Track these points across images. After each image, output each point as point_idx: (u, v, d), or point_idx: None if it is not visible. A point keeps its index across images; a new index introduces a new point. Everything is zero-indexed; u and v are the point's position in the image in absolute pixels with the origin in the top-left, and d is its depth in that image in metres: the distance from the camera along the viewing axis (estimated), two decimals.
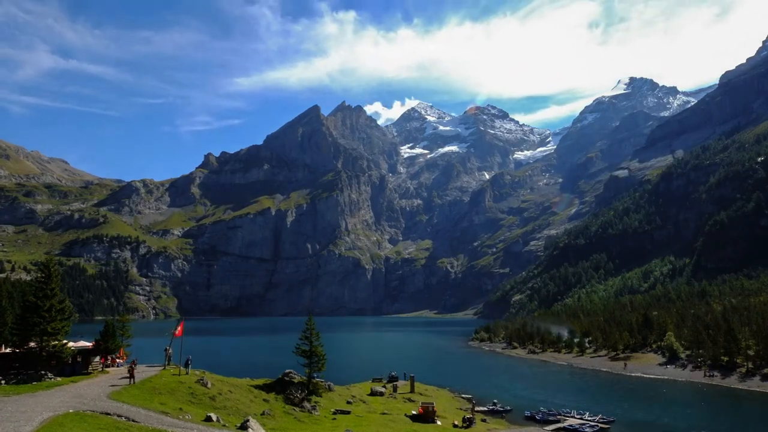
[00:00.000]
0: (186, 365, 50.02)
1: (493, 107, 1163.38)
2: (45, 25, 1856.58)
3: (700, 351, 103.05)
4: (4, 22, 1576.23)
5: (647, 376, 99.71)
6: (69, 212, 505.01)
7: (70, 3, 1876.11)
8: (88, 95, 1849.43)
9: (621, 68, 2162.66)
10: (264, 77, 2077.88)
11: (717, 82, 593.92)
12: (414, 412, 55.93)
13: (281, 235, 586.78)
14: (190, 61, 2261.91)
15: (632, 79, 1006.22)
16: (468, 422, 53.99)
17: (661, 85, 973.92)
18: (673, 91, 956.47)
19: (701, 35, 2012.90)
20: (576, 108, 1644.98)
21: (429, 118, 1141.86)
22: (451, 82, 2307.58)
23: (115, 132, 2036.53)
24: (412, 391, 72.41)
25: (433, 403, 56.96)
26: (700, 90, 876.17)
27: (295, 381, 53.82)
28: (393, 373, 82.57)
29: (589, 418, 60.71)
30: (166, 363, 51.47)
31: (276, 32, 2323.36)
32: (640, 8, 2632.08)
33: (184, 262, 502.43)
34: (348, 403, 57.10)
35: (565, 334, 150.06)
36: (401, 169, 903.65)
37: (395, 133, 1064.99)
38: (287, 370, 55.92)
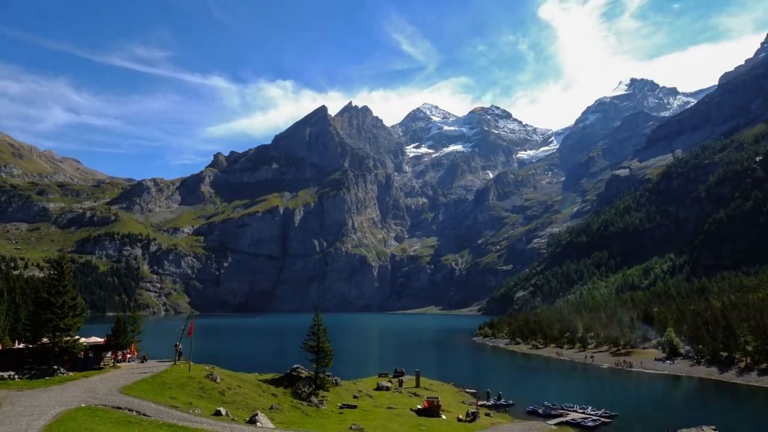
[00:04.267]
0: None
1: (497, 107, 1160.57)
2: (57, 93, 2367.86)
3: (700, 346, 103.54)
4: (27, 93, 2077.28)
5: (648, 371, 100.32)
6: (81, 210, 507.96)
7: (72, 80, 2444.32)
8: (101, 140, 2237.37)
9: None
10: (230, 125, 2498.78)
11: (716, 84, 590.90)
12: (419, 407, 56.61)
13: (289, 232, 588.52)
14: (173, 115, 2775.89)
15: (633, 80, 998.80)
16: (472, 416, 54.60)
17: (661, 86, 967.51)
18: (673, 91, 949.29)
19: (558, 100, 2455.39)
20: None
21: (434, 118, 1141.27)
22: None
23: (122, 164, 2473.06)
24: (417, 385, 73.12)
25: (438, 398, 57.69)
26: (700, 91, 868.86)
27: (303, 376, 54.69)
28: (399, 369, 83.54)
29: (592, 413, 61.39)
30: (176, 358, 52.55)
31: (234, 93, 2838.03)
32: (505, 84, 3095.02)
33: (194, 260, 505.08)
34: (354, 397, 57.75)
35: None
36: (407, 168, 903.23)
37: (401, 133, 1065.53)
38: (295, 365, 56.78)
